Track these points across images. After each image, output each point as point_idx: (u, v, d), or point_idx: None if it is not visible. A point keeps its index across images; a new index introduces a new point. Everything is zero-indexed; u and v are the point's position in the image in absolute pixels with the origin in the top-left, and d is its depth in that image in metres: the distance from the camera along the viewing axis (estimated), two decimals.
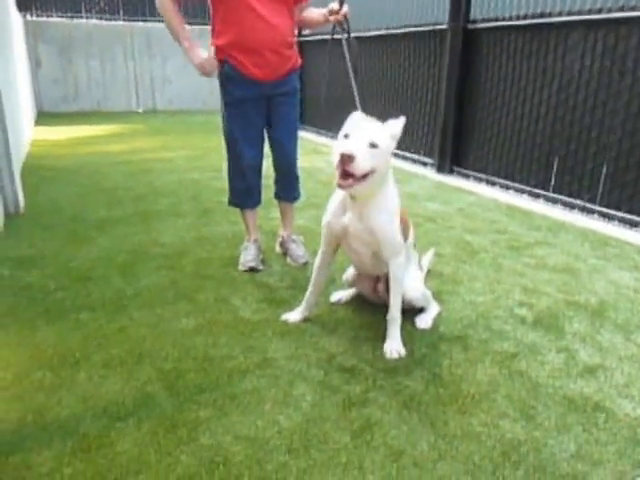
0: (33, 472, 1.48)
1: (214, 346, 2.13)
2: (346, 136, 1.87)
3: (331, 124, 7.54)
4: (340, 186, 1.85)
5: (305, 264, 2.92)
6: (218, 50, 2.63)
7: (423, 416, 1.73)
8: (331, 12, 2.56)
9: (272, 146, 2.88)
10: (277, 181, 3.00)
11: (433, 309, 2.40)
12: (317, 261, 2.29)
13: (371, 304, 2.51)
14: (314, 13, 2.74)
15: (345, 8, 2.53)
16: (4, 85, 3.76)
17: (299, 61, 2.79)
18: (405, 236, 2.18)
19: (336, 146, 1.88)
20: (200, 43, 2.73)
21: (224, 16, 2.55)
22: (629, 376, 2.00)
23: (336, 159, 1.81)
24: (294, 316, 2.34)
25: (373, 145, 1.83)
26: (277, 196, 3.04)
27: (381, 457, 1.56)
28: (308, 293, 2.33)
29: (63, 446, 1.58)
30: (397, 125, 1.96)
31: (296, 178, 2.99)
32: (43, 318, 2.31)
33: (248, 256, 2.86)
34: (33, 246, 3.15)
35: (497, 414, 1.75)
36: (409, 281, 2.28)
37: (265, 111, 2.75)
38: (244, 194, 2.90)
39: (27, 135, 6.66)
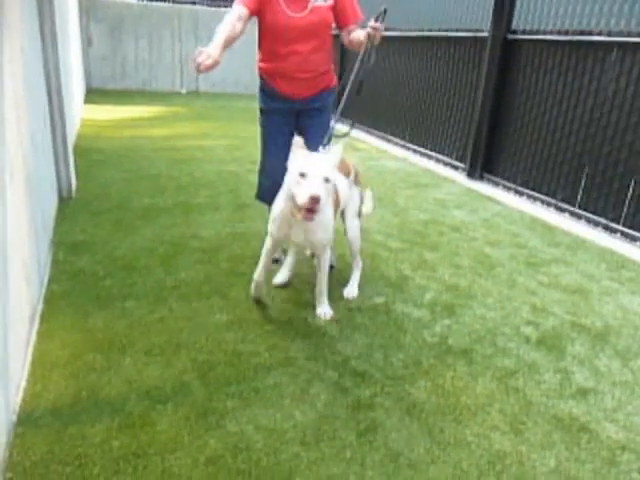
0: (87, 442, 1.76)
1: (243, 342, 2.39)
2: (302, 175, 2.18)
3: (363, 117, 7.68)
4: (306, 219, 2.22)
5: (331, 267, 3.13)
6: (259, 69, 2.94)
7: (422, 423, 1.95)
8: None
9: None
10: None
11: (356, 272, 2.90)
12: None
13: (387, 314, 2.72)
14: (355, 36, 2.85)
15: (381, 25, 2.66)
16: (63, 68, 3.97)
17: (334, 81, 2.99)
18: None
19: (294, 183, 2.22)
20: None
21: (270, 48, 2.81)
22: (619, 401, 2.17)
23: (303, 199, 2.14)
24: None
25: (327, 180, 2.20)
26: None
27: (381, 456, 1.79)
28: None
29: (112, 421, 1.86)
30: (336, 154, 2.31)
31: None
32: (94, 304, 2.61)
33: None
34: (84, 232, 3.46)
35: (489, 426, 1.96)
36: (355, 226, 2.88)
37: (294, 121, 2.99)
38: (268, 191, 3.11)
39: (78, 115, 7.02)
